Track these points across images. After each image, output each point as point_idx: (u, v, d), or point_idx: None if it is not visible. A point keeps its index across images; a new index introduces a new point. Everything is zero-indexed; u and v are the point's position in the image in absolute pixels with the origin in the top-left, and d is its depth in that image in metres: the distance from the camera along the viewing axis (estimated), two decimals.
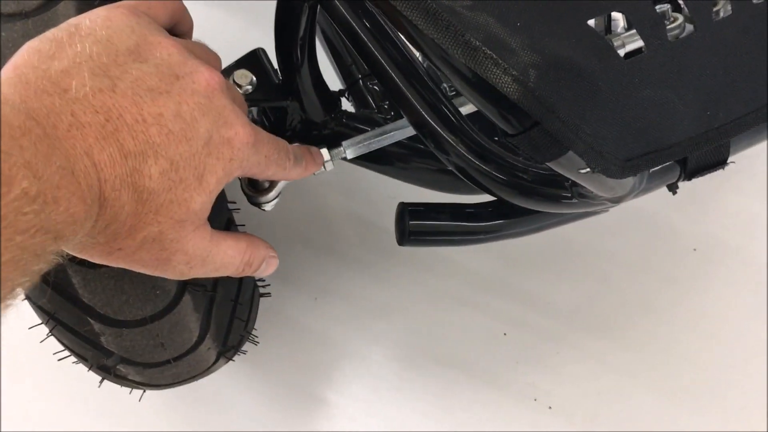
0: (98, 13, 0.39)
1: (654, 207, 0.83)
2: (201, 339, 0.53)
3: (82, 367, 0.58)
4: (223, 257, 0.43)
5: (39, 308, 0.50)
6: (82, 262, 0.40)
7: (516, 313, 0.77)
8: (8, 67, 0.36)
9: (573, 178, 0.45)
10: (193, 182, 0.38)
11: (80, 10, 0.46)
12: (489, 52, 0.37)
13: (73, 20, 0.38)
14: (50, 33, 0.37)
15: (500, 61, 0.37)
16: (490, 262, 0.80)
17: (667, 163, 0.52)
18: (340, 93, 0.62)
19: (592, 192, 0.49)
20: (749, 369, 0.75)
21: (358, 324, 0.77)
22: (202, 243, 0.41)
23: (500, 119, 0.40)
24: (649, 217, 0.82)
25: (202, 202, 0.39)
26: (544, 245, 0.80)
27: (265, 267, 0.47)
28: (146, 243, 0.38)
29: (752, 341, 0.76)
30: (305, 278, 0.79)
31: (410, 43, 0.41)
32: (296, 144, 0.50)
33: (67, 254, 0.37)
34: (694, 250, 0.81)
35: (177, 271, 0.41)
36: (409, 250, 0.80)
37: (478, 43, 0.37)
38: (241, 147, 0.40)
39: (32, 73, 0.35)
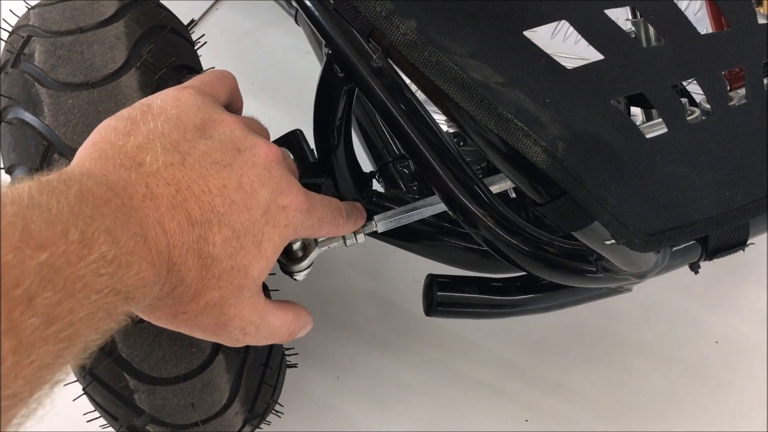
0: (168, 93, 0.43)
1: (675, 298, 0.83)
2: (230, 402, 0.54)
3: None
4: (273, 326, 0.45)
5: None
6: None
7: (537, 398, 0.77)
8: (87, 144, 0.39)
9: (598, 250, 0.47)
10: (252, 249, 0.40)
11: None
12: (520, 124, 0.40)
13: (145, 100, 0.42)
14: (125, 112, 0.41)
15: (531, 133, 0.40)
16: (511, 346, 0.80)
17: (689, 243, 0.54)
18: (372, 174, 0.65)
19: (616, 266, 0.50)
20: None
21: (379, 403, 0.77)
22: (257, 310, 0.43)
23: (530, 188, 0.42)
24: (670, 309, 0.83)
25: (260, 269, 0.41)
26: (565, 331, 0.81)
27: (303, 332, 0.49)
28: (208, 308, 0.40)
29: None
30: (329, 357, 0.79)
31: (446, 116, 0.44)
32: (345, 201, 0.53)
33: (134, 316, 0.39)
34: (716, 342, 0.81)
35: (233, 337, 0.43)
36: (430, 332, 0.81)
37: (510, 116, 0.40)
38: (296, 213, 0.43)
39: (110, 149, 0.38)
